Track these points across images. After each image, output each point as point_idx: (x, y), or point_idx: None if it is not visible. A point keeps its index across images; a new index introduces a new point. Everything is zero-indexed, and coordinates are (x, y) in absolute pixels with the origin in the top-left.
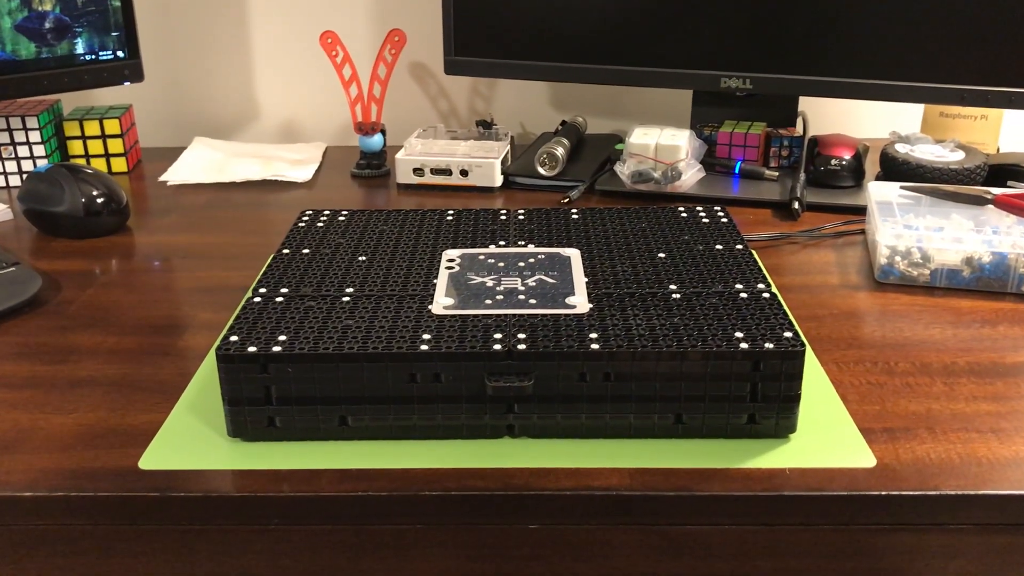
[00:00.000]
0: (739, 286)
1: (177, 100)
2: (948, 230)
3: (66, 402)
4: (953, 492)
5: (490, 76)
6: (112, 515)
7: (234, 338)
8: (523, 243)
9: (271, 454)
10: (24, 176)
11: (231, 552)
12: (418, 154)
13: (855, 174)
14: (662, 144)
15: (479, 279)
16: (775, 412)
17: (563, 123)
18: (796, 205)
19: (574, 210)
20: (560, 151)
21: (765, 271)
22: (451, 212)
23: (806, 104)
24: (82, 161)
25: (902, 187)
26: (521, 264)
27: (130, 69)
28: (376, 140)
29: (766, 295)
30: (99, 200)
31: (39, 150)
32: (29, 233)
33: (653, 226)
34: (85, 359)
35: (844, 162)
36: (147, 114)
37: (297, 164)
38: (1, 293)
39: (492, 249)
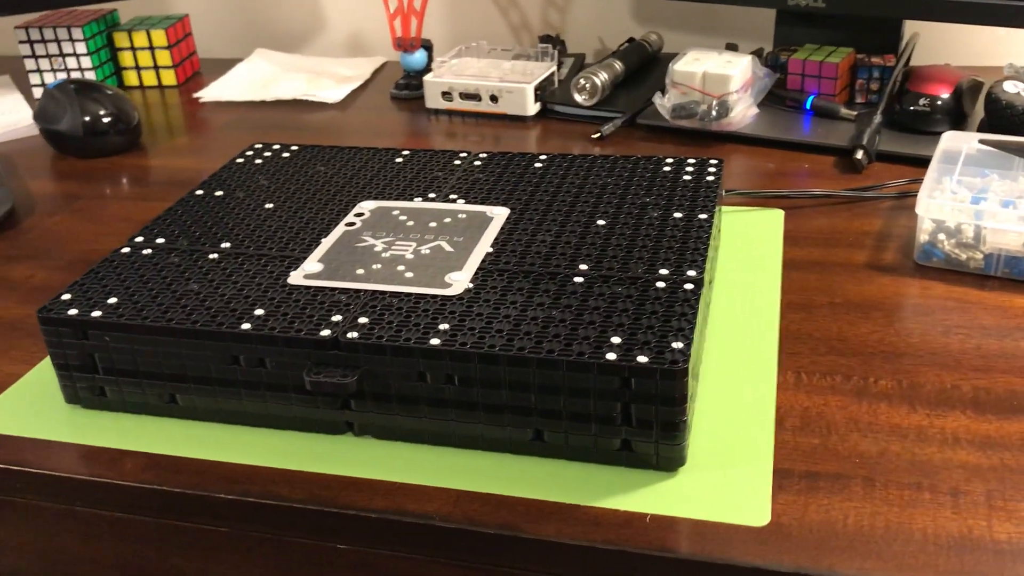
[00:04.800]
0: (664, 271)
1: (244, 9)
2: (1023, 204)
3: None
4: (848, 574)
5: None
6: None
7: (66, 296)
8: (454, 197)
9: (96, 427)
10: None
11: (44, 529)
12: (449, 76)
13: (952, 117)
14: (710, 73)
15: (371, 241)
16: (653, 440)
17: (629, 41)
18: (860, 155)
19: (542, 156)
20: (602, 78)
21: (716, 250)
22: (404, 153)
23: (920, 24)
24: (133, 74)
25: (981, 140)
26: (433, 224)
27: None
28: (418, 57)
29: (689, 286)
30: (105, 120)
31: (86, 62)
32: (47, 150)
33: (619, 182)
34: (4, 294)
35: (939, 101)
36: (214, 24)
37: (343, 81)
38: None
39: (414, 203)
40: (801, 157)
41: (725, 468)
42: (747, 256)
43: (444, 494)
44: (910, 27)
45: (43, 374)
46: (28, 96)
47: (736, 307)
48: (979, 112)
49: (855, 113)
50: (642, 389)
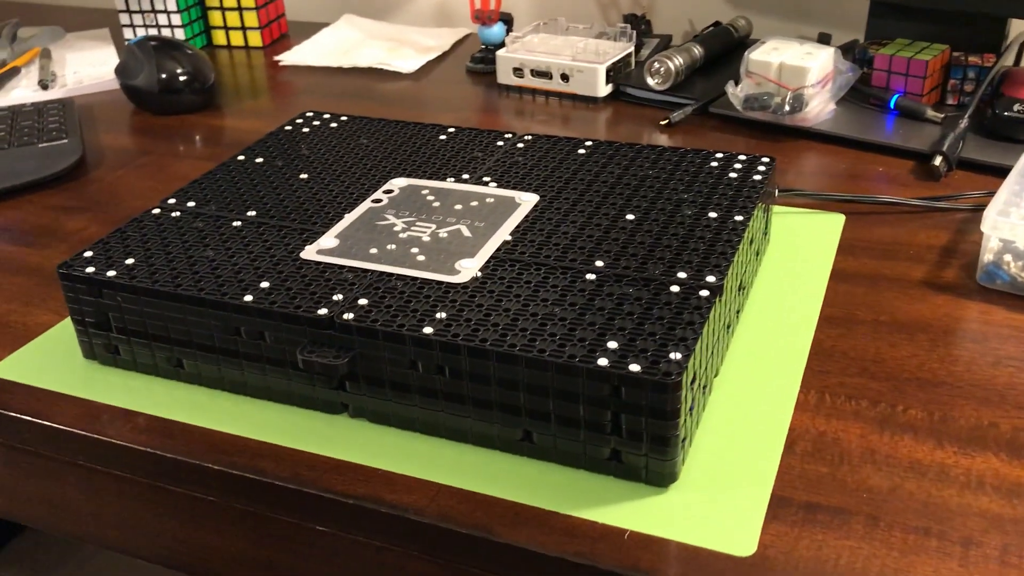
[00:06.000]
0: (682, 275)
1: None
2: None
3: None
4: None
5: None
6: None
7: (88, 253)
8: (488, 180)
9: (107, 384)
10: None
11: (52, 480)
12: (522, 52)
13: None
14: (787, 64)
15: (392, 220)
16: (643, 453)
17: (715, 24)
18: (938, 161)
19: (587, 142)
20: (677, 62)
21: (747, 256)
22: (450, 129)
23: None
24: (221, 33)
25: None
26: (459, 207)
27: None
28: (496, 31)
29: (704, 293)
30: (181, 78)
31: (176, 19)
32: (127, 105)
33: (661, 175)
34: (53, 244)
35: None
36: None
37: (423, 51)
38: (32, 165)
39: (446, 183)
40: (877, 159)
41: (720, 489)
42: (794, 262)
43: (425, 487)
44: (1018, 25)
45: (68, 327)
46: (121, 50)
47: (770, 316)
48: None
49: (942, 115)
50: (632, 399)
